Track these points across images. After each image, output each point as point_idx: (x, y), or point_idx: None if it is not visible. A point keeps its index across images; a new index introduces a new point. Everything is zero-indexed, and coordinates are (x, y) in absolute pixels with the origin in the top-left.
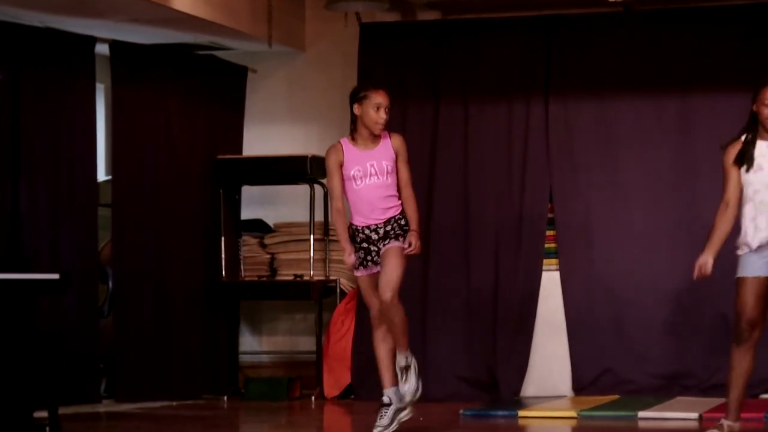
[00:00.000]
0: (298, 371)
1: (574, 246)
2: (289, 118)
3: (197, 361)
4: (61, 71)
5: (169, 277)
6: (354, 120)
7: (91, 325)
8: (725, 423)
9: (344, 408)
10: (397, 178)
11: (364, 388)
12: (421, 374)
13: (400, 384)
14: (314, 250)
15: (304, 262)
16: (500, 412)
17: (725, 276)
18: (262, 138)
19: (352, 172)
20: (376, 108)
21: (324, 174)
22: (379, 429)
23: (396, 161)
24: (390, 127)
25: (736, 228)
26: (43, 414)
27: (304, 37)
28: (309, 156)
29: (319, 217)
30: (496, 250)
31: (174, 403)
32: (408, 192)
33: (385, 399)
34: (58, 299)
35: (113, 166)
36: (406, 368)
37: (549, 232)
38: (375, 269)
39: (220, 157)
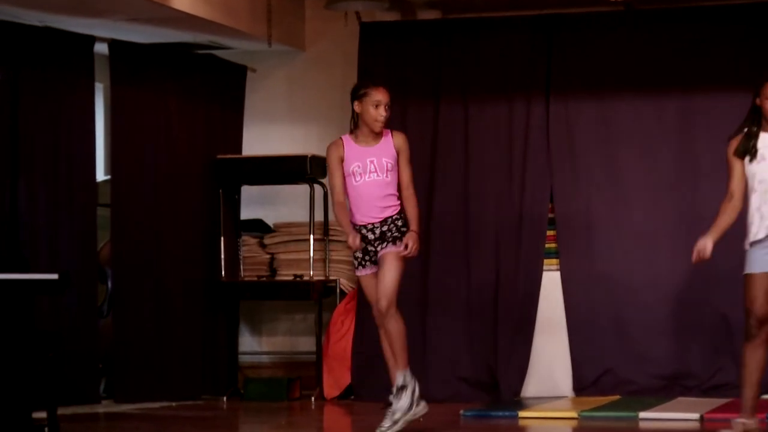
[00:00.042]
0: (298, 372)
1: (575, 246)
2: (288, 118)
3: (197, 361)
4: (61, 71)
5: (168, 277)
6: (355, 117)
7: (90, 326)
8: (740, 421)
9: (344, 408)
10: (399, 178)
11: (365, 389)
12: (422, 376)
13: (393, 401)
14: (314, 250)
15: (303, 262)
16: (501, 413)
17: (726, 276)
18: (262, 137)
19: (351, 168)
20: (375, 105)
21: (324, 173)
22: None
23: (398, 160)
24: (390, 126)
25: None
26: (42, 414)
27: (303, 36)
28: (309, 156)
29: (319, 217)
30: (496, 250)
31: (173, 404)
32: (409, 192)
33: (399, 381)
34: (57, 299)
35: (112, 165)
36: (402, 388)
37: (549, 232)
38: (374, 269)
39: (219, 156)
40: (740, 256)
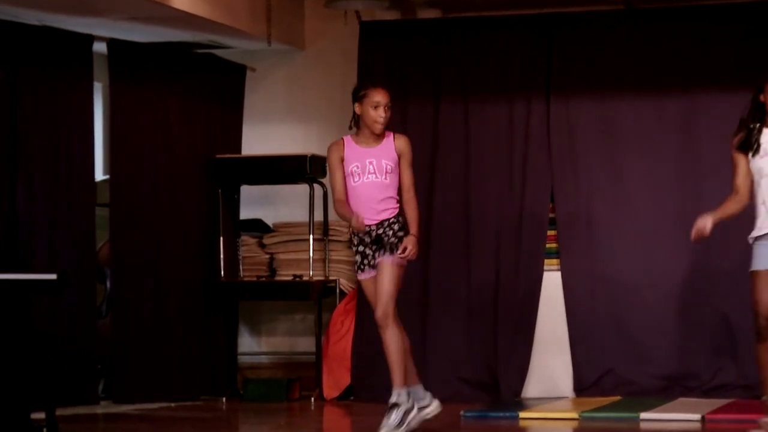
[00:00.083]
0: (298, 372)
1: (576, 246)
2: (288, 117)
3: (196, 362)
4: (59, 70)
5: (167, 277)
6: (356, 119)
7: (88, 326)
8: (766, 420)
9: (344, 409)
10: (400, 181)
11: (364, 389)
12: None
13: (384, 417)
14: (314, 250)
15: (303, 262)
16: (501, 414)
17: (728, 276)
18: (261, 137)
19: (350, 168)
20: (374, 106)
21: (324, 173)
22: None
23: (399, 163)
24: (391, 126)
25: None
26: (41, 415)
27: (303, 35)
28: (308, 155)
29: (318, 216)
30: (496, 250)
31: (172, 405)
32: (409, 195)
33: (393, 398)
34: (56, 300)
35: (111, 165)
36: (394, 406)
37: (550, 232)
38: (374, 273)
39: (218, 156)
40: (741, 256)
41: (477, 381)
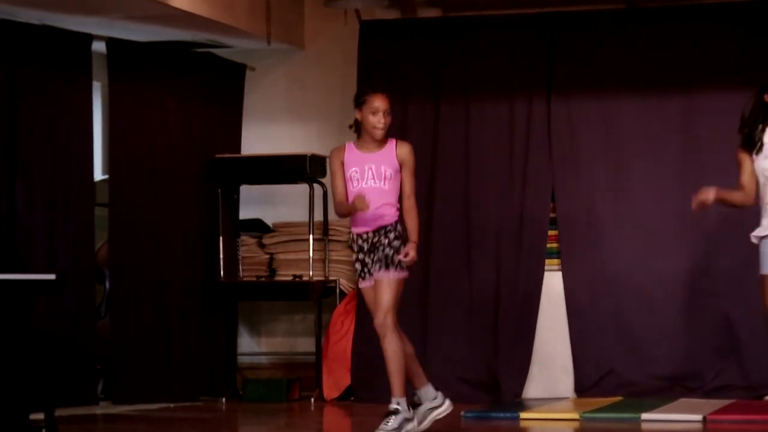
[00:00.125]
0: (298, 373)
1: (577, 246)
2: (288, 117)
3: (195, 362)
4: (58, 69)
5: (166, 277)
6: (358, 125)
7: (87, 326)
8: None
9: (344, 410)
10: (401, 188)
11: (365, 390)
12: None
13: (382, 423)
14: (313, 250)
15: (303, 263)
16: (502, 414)
17: (730, 276)
18: (261, 136)
19: (349, 173)
20: (373, 112)
21: (323, 173)
22: None
23: (400, 170)
24: (391, 127)
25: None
26: (40, 416)
27: (303, 34)
28: (308, 155)
29: (318, 216)
30: (497, 250)
31: (171, 405)
32: (410, 203)
33: (392, 405)
34: (55, 300)
35: (110, 165)
36: (395, 412)
37: (551, 232)
38: (373, 281)
39: (218, 156)
40: (743, 256)
41: (477, 381)
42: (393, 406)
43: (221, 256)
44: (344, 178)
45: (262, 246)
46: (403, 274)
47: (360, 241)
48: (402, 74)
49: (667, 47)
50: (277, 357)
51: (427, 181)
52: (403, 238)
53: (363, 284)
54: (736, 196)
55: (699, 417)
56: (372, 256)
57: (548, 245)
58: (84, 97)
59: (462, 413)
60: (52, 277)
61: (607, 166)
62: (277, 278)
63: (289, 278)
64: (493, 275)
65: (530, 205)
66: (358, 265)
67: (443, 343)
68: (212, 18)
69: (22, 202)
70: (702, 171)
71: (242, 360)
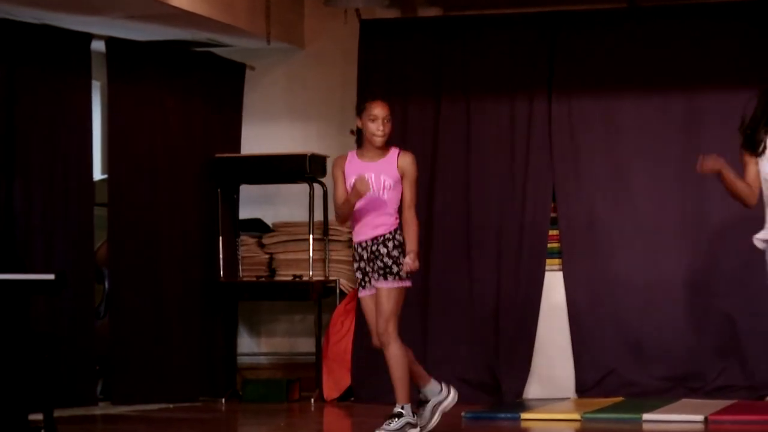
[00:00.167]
0: (297, 373)
1: (578, 246)
2: (287, 116)
3: (194, 362)
4: (57, 68)
5: (166, 277)
6: (359, 133)
7: (86, 327)
8: None
9: (344, 410)
10: (402, 198)
11: (365, 390)
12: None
13: (384, 424)
14: (313, 250)
15: (303, 262)
16: (503, 415)
17: (732, 276)
18: (261, 136)
19: (350, 182)
20: (372, 120)
21: (323, 172)
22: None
23: (401, 181)
24: (393, 129)
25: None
26: (38, 416)
27: (303, 33)
28: (308, 154)
29: (318, 216)
30: (498, 250)
31: (171, 406)
32: (410, 214)
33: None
34: (54, 300)
35: (109, 164)
36: (396, 416)
37: (552, 232)
38: (373, 290)
39: (217, 155)
40: (745, 257)
41: (478, 382)
42: (397, 409)
43: (221, 256)
44: (345, 187)
45: (261, 246)
46: (404, 283)
47: (360, 250)
48: (402, 74)
49: (668, 46)
50: (276, 357)
51: (428, 180)
52: (403, 247)
53: (362, 293)
54: (740, 186)
55: (701, 417)
56: (372, 265)
57: (549, 245)
58: (83, 97)
59: (463, 414)
60: (51, 277)
61: (607, 166)
62: (277, 278)
63: (289, 278)
64: (493, 275)
65: (531, 204)
66: (358, 274)
67: (444, 343)
68: (212, 17)
69: (21, 202)
70: None
71: (242, 360)
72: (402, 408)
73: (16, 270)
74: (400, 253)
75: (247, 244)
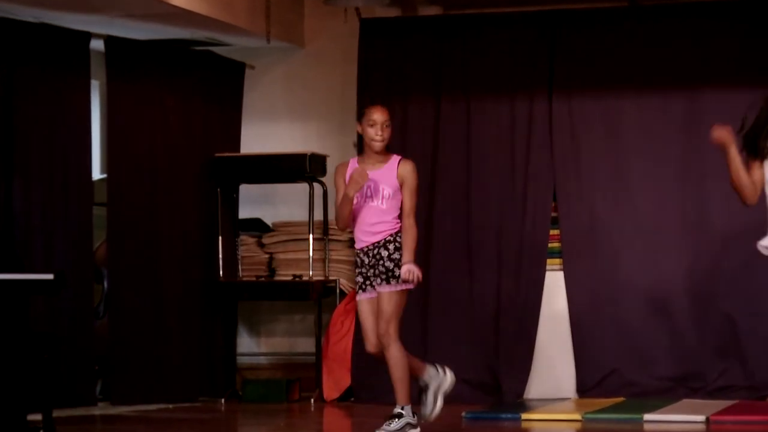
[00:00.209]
0: (297, 373)
1: (578, 245)
2: (287, 115)
3: (194, 362)
4: (56, 67)
5: (165, 277)
6: (360, 139)
7: (86, 327)
8: None
9: (344, 410)
10: (401, 205)
11: (365, 390)
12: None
13: (385, 425)
14: (313, 250)
15: (303, 262)
16: (503, 415)
17: (732, 277)
18: (260, 135)
19: None
20: (371, 125)
21: (323, 172)
22: None
23: (401, 189)
24: (393, 130)
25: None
26: (37, 417)
27: (303, 32)
28: (308, 154)
29: (318, 216)
30: (498, 250)
31: (170, 406)
32: (409, 222)
33: (396, 409)
34: (53, 300)
35: (108, 164)
36: (396, 416)
37: (553, 232)
38: (373, 294)
39: (217, 155)
40: (745, 257)
41: (479, 382)
42: (397, 410)
43: (220, 255)
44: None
45: (261, 245)
46: (406, 286)
47: (361, 255)
48: (402, 73)
49: (669, 45)
50: (276, 357)
51: (428, 180)
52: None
53: (361, 296)
54: (744, 176)
55: (702, 418)
56: (374, 270)
57: (550, 245)
58: (82, 96)
59: (463, 414)
60: (51, 276)
61: (609, 165)
62: (277, 278)
63: (289, 278)
64: (494, 275)
65: (531, 204)
66: (359, 278)
67: (444, 343)
68: (211, 16)
69: (20, 202)
70: (704, 170)
71: (242, 360)
72: (402, 408)
73: (15, 270)
74: (401, 255)
75: (246, 243)
